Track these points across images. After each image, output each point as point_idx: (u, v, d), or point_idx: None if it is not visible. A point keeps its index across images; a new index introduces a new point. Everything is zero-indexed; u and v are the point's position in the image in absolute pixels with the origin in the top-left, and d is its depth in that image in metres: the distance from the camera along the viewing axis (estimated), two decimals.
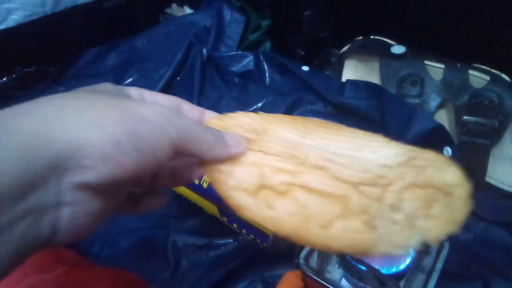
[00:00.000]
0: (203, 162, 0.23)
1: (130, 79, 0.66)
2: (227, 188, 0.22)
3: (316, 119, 0.29)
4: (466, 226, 0.42)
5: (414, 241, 0.21)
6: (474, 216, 0.43)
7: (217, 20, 0.66)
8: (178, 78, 0.64)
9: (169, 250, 0.43)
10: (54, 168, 0.16)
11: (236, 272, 0.41)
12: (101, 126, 0.18)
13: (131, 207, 0.25)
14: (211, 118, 0.26)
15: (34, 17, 0.61)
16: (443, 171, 0.24)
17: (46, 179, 0.16)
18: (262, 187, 0.23)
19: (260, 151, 0.24)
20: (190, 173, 0.25)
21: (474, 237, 0.41)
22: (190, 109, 0.26)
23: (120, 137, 0.18)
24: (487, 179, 0.46)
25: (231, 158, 0.23)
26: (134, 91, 0.24)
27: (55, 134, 0.17)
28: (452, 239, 0.42)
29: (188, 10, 0.81)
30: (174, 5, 0.82)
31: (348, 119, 0.53)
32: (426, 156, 0.25)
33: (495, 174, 0.45)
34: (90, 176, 0.17)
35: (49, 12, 0.62)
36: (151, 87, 0.63)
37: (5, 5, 0.58)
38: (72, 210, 0.18)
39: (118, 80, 0.66)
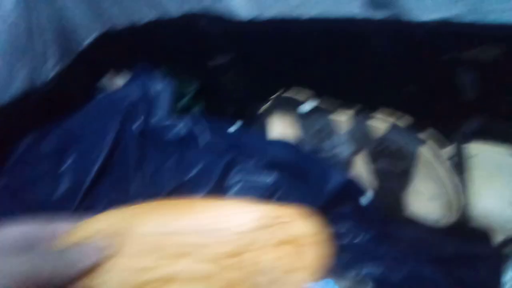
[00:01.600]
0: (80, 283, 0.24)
1: (70, 161, 0.67)
2: None
3: (182, 199, 0.29)
4: (396, 266, 0.45)
5: None
6: (402, 253, 0.45)
7: (145, 92, 0.67)
8: (115, 155, 0.65)
9: None
10: None
11: None
12: None
13: None
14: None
15: None
16: (293, 224, 0.27)
17: None
18: None
19: (125, 255, 0.25)
20: None
21: (403, 276, 0.44)
22: (41, 229, 0.27)
23: None
24: (410, 214, 0.49)
25: (91, 272, 0.24)
26: None
27: None
28: (384, 280, 0.44)
29: (119, 80, 0.82)
30: (105, 78, 0.84)
31: (278, 174, 0.55)
32: (281, 213, 0.27)
33: (415, 209, 0.48)
34: None
35: None
36: (89, 167, 0.63)
37: None
38: None
39: (56, 165, 0.66)
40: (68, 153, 0.67)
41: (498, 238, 0.44)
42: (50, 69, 0.71)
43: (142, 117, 0.66)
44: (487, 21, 0.34)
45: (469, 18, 0.35)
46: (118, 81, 0.79)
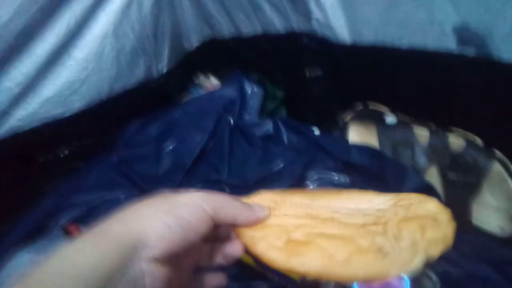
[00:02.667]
0: (239, 231, 0.31)
1: (171, 147, 0.79)
2: (261, 248, 0.30)
3: (320, 189, 0.36)
4: (458, 263, 0.52)
5: (418, 260, 0.27)
6: (465, 255, 0.52)
7: (240, 93, 0.79)
8: (211, 144, 0.77)
9: None
10: (135, 249, 0.26)
11: None
12: (157, 218, 0.27)
13: (198, 286, 0.34)
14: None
15: (92, 104, 0.75)
16: (425, 204, 0.30)
17: (132, 259, 0.25)
18: (289, 241, 0.29)
19: (281, 214, 0.32)
20: (233, 248, 0.33)
21: (464, 274, 0.50)
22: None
23: (169, 222, 0.27)
24: (475, 222, 0.55)
25: (258, 223, 0.31)
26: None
27: (132, 230, 0.27)
28: (446, 275, 0.51)
29: (212, 79, 0.95)
30: (201, 77, 0.97)
31: (356, 175, 0.64)
32: (410, 197, 0.31)
33: (481, 218, 0.55)
34: (155, 252, 0.26)
35: (104, 99, 0.76)
36: (189, 152, 0.75)
37: (72, 96, 0.72)
38: (151, 278, 0.26)
39: (161, 146, 0.79)
40: (172, 138, 0.79)
41: None
42: (163, 67, 0.85)
43: (237, 114, 0.78)
44: None
45: None
46: (213, 80, 0.92)
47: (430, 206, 0.30)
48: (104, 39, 0.71)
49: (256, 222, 0.31)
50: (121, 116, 0.82)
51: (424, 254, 0.27)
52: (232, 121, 0.78)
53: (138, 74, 0.80)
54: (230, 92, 0.79)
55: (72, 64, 0.70)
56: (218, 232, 0.33)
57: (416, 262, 0.27)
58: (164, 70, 0.84)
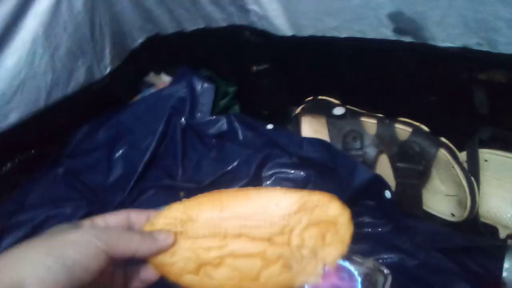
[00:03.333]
0: (150, 260, 0.31)
1: (120, 151, 0.75)
2: (175, 274, 0.31)
3: (231, 189, 0.36)
4: (411, 253, 0.52)
5: (320, 267, 0.31)
6: (418, 244, 0.52)
7: (190, 91, 0.75)
8: (162, 146, 0.74)
9: None
10: None
11: None
12: (35, 261, 0.25)
13: None
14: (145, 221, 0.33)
15: (30, 113, 0.69)
16: (327, 207, 0.33)
17: None
18: (201, 265, 0.31)
19: (190, 237, 0.32)
20: (146, 274, 0.33)
21: (418, 263, 0.51)
22: (137, 216, 0.34)
23: (48, 263, 0.25)
24: (426, 209, 0.55)
25: (162, 252, 0.31)
26: (86, 222, 0.32)
27: (9, 279, 0.24)
28: (399, 266, 0.51)
29: (164, 77, 0.90)
30: (151, 74, 0.92)
31: (310, 169, 0.63)
32: (314, 198, 0.33)
33: (432, 205, 0.55)
34: None
35: (42, 107, 0.71)
36: (139, 157, 0.72)
37: (5, 106, 0.67)
38: None
39: (110, 153, 0.75)
40: (121, 143, 0.75)
41: (504, 233, 0.51)
42: (105, 67, 0.80)
43: (188, 113, 0.74)
44: (498, 51, 0.41)
45: (485, 48, 0.42)
46: (165, 78, 0.88)
47: (332, 209, 0.32)
48: (34, 43, 0.65)
49: (159, 252, 0.31)
50: (65, 124, 0.78)
51: (324, 261, 0.31)
52: (183, 121, 0.74)
53: (78, 76, 0.75)
54: (179, 89, 0.76)
55: (2, 73, 0.64)
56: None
57: (317, 271, 0.31)
58: (108, 70, 0.79)
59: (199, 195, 0.35)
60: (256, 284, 0.30)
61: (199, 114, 0.75)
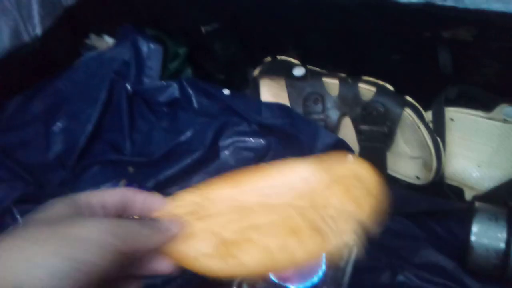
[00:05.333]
0: (163, 249, 0.26)
1: (59, 123, 0.67)
2: (191, 260, 0.26)
3: (242, 171, 0.32)
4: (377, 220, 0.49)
5: (351, 226, 0.27)
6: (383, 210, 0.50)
7: (135, 53, 0.67)
8: (107, 116, 0.66)
9: None
10: None
11: None
12: (41, 262, 0.21)
13: None
14: (156, 204, 0.29)
15: None
16: (344, 162, 0.30)
17: None
18: (219, 244, 0.27)
19: (206, 216, 0.28)
20: (161, 265, 0.28)
21: (383, 230, 0.48)
22: (133, 196, 0.28)
23: (58, 265, 0.20)
24: (391, 172, 0.53)
25: (174, 239, 0.26)
26: (83, 198, 0.26)
27: (3, 282, 0.20)
28: (364, 233, 0.49)
29: (107, 39, 0.81)
30: (92, 36, 0.82)
31: (270, 136, 0.58)
32: (328, 158, 0.30)
33: (397, 168, 0.52)
34: None
35: None
36: (80, 130, 0.64)
37: None
38: None
39: (47, 126, 0.67)
40: (59, 114, 0.67)
41: (469, 194, 0.49)
42: (34, 27, 0.69)
43: (134, 78, 0.67)
44: (464, 6, 0.37)
45: (450, 3, 0.38)
46: (108, 40, 0.78)
47: (349, 163, 0.30)
48: None
49: (171, 240, 0.27)
50: None
51: (355, 217, 0.27)
52: (129, 87, 0.67)
53: (3, 40, 0.64)
54: (122, 51, 0.67)
55: None
56: None
57: (350, 228, 0.27)
58: (38, 32, 0.69)
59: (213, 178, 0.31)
60: (288, 256, 0.26)
61: (146, 79, 0.67)
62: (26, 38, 0.68)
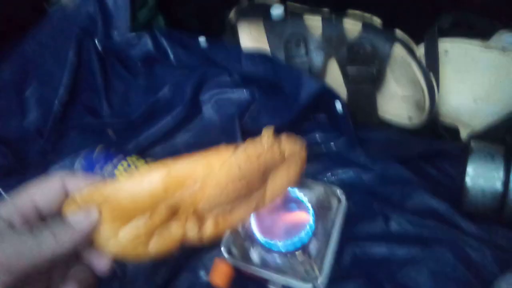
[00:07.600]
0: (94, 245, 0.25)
1: (32, 87, 0.63)
2: (121, 249, 0.25)
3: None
4: (367, 167, 0.47)
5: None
6: (373, 155, 0.47)
7: (100, 4, 0.61)
8: (80, 78, 0.62)
9: None
10: None
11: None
12: None
13: None
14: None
15: None
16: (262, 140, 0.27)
17: None
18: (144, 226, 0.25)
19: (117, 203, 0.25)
20: (98, 264, 0.26)
21: (374, 176, 0.46)
22: (75, 183, 0.26)
23: None
24: (382, 114, 0.50)
25: (93, 230, 0.24)
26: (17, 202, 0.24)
27: None
28: (355, 182, 0.47)
29: None
30: None
31: (253, 86, 0.54)
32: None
33: (388, 110, 0.49)
34: None
35: None
36: (53, 94, 0.60)
37: None
38: None
39: (19, 93, 0.63)
40: (30, 79, 0.63)
41: (464, 133, 0.46)
42: None
43: (102, 33, 0.61)
44: None
45: None
46: None
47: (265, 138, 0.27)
48: None
49: (86, 236, 0.24)
50: None
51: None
52: (98, 44, 0.61)
53: None
54: (85, 4, 0.61)
55: None
56: None
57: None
58: None
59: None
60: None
61: (115, 32, 0.62)
62: None
